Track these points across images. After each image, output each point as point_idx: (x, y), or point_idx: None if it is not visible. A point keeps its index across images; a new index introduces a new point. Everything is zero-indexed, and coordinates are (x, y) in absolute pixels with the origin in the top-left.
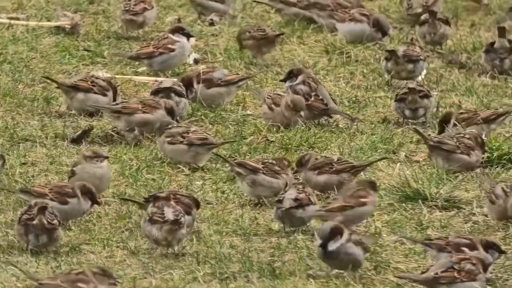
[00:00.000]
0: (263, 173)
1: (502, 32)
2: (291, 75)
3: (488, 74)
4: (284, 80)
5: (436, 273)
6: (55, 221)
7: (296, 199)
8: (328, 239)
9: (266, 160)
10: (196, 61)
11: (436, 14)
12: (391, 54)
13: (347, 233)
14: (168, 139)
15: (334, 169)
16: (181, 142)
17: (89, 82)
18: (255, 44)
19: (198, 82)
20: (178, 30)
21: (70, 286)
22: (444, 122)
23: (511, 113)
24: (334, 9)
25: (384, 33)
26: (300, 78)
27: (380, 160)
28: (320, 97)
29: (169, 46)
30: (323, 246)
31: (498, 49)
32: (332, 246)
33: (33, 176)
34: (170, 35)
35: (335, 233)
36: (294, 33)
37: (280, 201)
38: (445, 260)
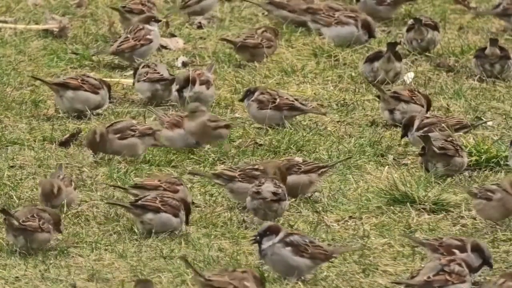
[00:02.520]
0: (239, 181)
1: (494, 42)
2: (248, 92)
3: (477, 77)
4: (242, 100)
5: (429, 277)
6: (31, 223)
7: (275, 193)
8: (263, 235)
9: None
10: (184, 64)
11: (422, 21)
12: (393, 46)
13: (284, 234)
14: (118, 135)
15: (302, 169)
16: (133, 136)
17: (79, 80)
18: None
19: (201, 84)
20: (151, 19)
21: (238, 284)
22: (407, 125)
23: (472, 127)
24: (326, 13)
25: (371, 35)
26: (257, 93)
27: (344, 160)
28: (285, 96)
29: (148, 36)
30: (259, 242)
31: (489, 56)
32: (265, 244)
33: (21, 179)
34: (146, 26)
35: (271, 231)
36: (282, 36)
37: (258, 193)
38: (434, 263)
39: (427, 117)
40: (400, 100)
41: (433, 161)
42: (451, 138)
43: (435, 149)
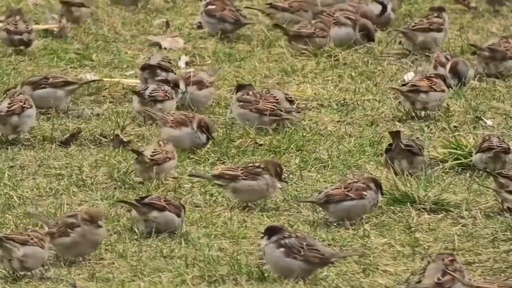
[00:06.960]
0: (243, 179)
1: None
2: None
3: (476, 77)
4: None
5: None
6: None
7: None
8: (263, 235)
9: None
10: (188, 64)
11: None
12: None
13: (281, 235)
14: None
15: None
16: None
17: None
18: None
19: (188, 85)
20: None
21: None
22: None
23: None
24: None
25: (370, 39)
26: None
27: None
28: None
29: None
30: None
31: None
32: (262, 244)
33: (21, 179)
34: None
35: (269, 231)
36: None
37: None
38: (437, 264)
39: (247, 94)
40: (419, 91)
41: (398, 158)
42: (412, 138)
43: (402, 145)
